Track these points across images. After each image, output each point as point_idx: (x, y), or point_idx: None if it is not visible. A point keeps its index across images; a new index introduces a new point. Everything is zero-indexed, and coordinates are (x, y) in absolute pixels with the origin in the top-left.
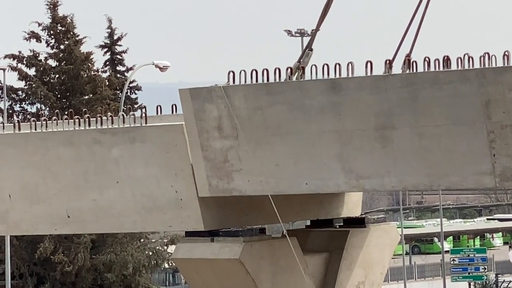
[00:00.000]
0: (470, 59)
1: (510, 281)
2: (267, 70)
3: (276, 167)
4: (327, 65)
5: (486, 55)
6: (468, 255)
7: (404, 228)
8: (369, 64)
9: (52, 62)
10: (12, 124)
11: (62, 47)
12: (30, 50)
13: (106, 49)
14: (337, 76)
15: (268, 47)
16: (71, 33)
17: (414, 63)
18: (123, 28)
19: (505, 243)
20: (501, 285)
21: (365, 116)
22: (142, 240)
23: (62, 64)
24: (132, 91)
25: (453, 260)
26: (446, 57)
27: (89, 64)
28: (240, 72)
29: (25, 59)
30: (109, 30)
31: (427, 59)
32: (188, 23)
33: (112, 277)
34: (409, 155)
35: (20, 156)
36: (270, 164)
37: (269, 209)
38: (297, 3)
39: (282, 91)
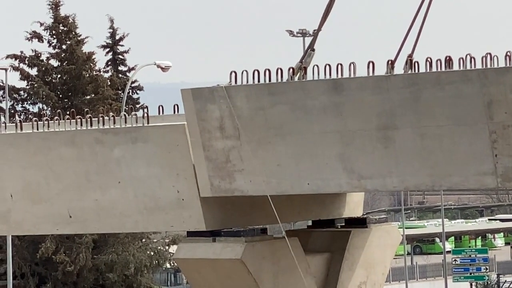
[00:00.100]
0: (472, 59)
1: (511, 282)
2: (269, 70)
3: (278, 167)
4: (329, 65)
5: (488, 55)
6: (470, 256)
7: (406, 228)
8: (371, 64)
9: (54, 62)
10: (14, 124)
11: (64, 47)
12: (32, 50)
13: (108, 49)
14: (339, 76)
15: (270, 47)
16: (73, 33)
17: (416, 64)
18: (125, 28)
19: (506, 243)
20: (502, 285)
21: (367, 116)
22: (143, 240)
23: (64, 64)
24: (134, 91)
25: (455, 260)
26: (448, 58)
27: (91, 64)
28: (242, 72)
29: (27, 59)
30: (111, 30)
31: (429, 59)
32: (190, 23)
33: (113, 277)
34: (411, 155)
35: (22, 156)
36: (272, 164)
37: (270, 209)
38: (299, 3)
39: (284, 91)
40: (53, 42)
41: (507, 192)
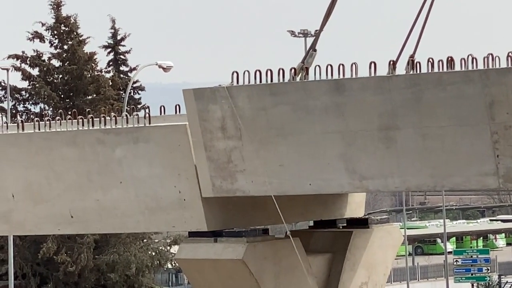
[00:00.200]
0: (474, 60)
1: None
2: (270, 70)
3: (280, 168)
4: (331, 65)
5: (490, 56)
6: (471, 256)
7: (407, 229)
8: (372, 64)
9: (55, 62)
10: (16, 124)
11: (65, 47)
12: (34, 50)
13: (109, 49)
14: (341, 76)
15: (272, 48)
16: (75, 33)
17: (418, 64)
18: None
19: (508, 244)
20: (504, 286)
21: (368, 116)
22: (145, 240)
23: (66, 64)
24: (136, 91)
25: (456, 261)
26: (449, 58)
27: (93, 64)
28: (244, 73)
29: (28, 59)
30: (113, 30)
31: (430, 60)
32: (192, 23)
33: (115, 277)
34: (413, 156)
35: (23, 156)
36: (274, 164)
37: (272, 210)
38: (301, 3)
39: (285, 91)
40: (55, 42)
41: (508, 193)
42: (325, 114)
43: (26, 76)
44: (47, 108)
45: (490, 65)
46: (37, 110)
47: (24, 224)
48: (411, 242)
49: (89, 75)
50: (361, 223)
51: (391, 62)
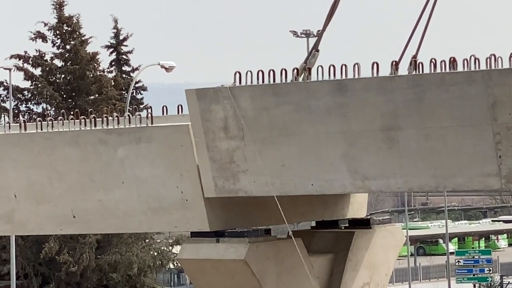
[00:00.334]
0: (477, 60)
1: None
2: (273, 70)
3: (282, 168)
4: (333, 66)
5: (493, 56)
6: (473, 257)
7: (409, 229)
8: (375, 65)
9: (58, 62)
10: (18, 124)
11: (68, 47)
12: (36, 50)
13: (112, 49)
14: (343, 77)
15: (274, 48)
16: (77, 33)
17: (421, 65)
18: (129, 29)
19: (510, 244)
20: (506, 286)
21: (371, 117)
22: (147, 240)
23: (68, 64)
24: (138, 91)
25: (458, 261)
26: (452, 59)
27: (95, 64)
28: (247, 73)
29: (31, 59)
30: (115, 31)
31: (433, 60)
32: (194, 23)
33: (117, 277)
34: (415, 156)
35: (26, 156)
36: (276, 164)
37: (274, 210)
38: (303, 4)
39: (288, 92)
40: (57, 42)
41: (510, 193)
42: (328, 115)
43: (29, 76)
44: (49, 108)
45: (493, 66)
46: (39, 110)
47: (26, 224)
48: (413, 243)
49: (91, 75)
50: (363, 223)
51: (394, 63)
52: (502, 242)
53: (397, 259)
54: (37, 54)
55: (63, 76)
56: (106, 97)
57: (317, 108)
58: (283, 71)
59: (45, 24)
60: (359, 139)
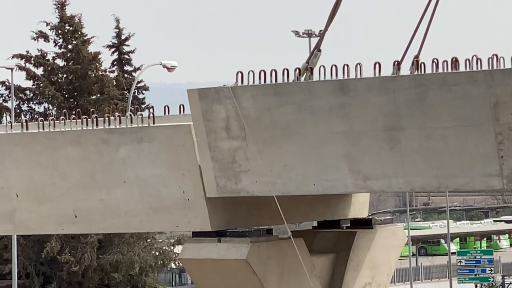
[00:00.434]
0: (479, 60)
1: None
2: (275, 70)
3: (284, 168)
4: (336, 66)
5: (495, 56)
6: (475, 257)
7: (411, 229)
8: (377, 65)
9: (60, 62)
10: (20, 124)
11: (70, 46)
12: (38, 50)
13: (113, 49)
14: (345, 77)
15: (276, 48)
16: (79, 32)
17: (423, 65)
18: (130, 28)
19: (511, 244)
20: (507, 286)
21: (373, 117)
22: (148, 240)
23: (70, 63)
24: (140, 91)
25: (460, 261)
26: (454, 59)
27: (97, 64)
28: (248, 73)
29: (33, 58)
30: (117, 30)
31: (435, 60)
32: (196, 23)
33: (118, 277)
34: (417, 156)
35: (27, 156)
36: (278, 164)
37: (276, 210)
38: (305, 3)
39: (290, 91)
40: (59, 42)
41: None
42: (330, 115)
43: (31, 76)
44: (51, 107)
45: (495, 66)
46: (41, 109)
47: (28, 224)
48: (415, 243)
49: (93, 74)
50: (365, 223)
51: (396, 63)
52: (504, 242)
53: (399, 259)
54: (39, 53)
55: (65, 75)
56: (108, 96)
57: (319, 108)
58: (285, 71)
59: (47, 24)
60: (361, 139)
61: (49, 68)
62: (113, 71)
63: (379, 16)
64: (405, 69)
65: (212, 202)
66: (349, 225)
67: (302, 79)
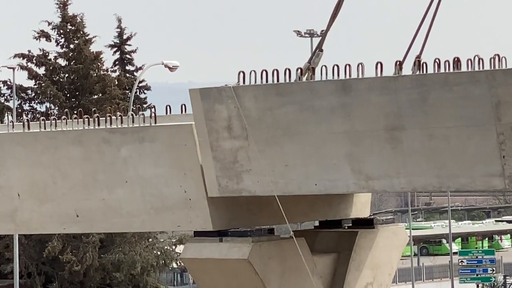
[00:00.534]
0: (480, 60)
1: None
2: (277, 70)
3: (286, 168)
4: (337, 66)
5: (497, 56)
6: (477, 257)
7: (413, 229)
8: (379, 65)
9: (61, 61)
10: (22, 123)
11: (71, 46)
12: (40, 49)
13: (115, 49)
14: (347, 77)
15: (278, 48)
16: (81, 32)
17: (424, 65)
18: (132, 28)
19: None
20: (509, 286)
21: (375, 117)
22: (150, 239)
23: (72, 63)
24: (141, 90)
25: (461, 261)
26: (456, 59)
27: (99, 64)
28: (250, 73)
29: (34, 58)
30: (119, 30)
31: (437, 60)
32: (198, 23)
33: (120, 277)
34: (419, 156)
35: (29, 155)
36: (280, 164)
37: (277, 210)
38: (307, 3)
39: (292, 91)
40: (61, 42)
41: None
42: (331, 114)
43: (32, 75)
44: (53, 107)
45: (497, 66)
46: (43, 109)
47: (29, 223)
48: (417, 243)
49: (95, 74)
50: (367, 223)
51: (398, 63)
52: (506, 242)
53: (401, 259)
54: (41, 53)
55: (66, 75)
56: (109, 96)
57: (320, 108)
58: (287, 71)
59: (49, 23)
60: (362, 139)
61: (51, 68)
62: (114, 71)
63: (381, 16)
64: (407, 69)
65: (213, 201)
66: (350, 225)
67: (304, 79)
